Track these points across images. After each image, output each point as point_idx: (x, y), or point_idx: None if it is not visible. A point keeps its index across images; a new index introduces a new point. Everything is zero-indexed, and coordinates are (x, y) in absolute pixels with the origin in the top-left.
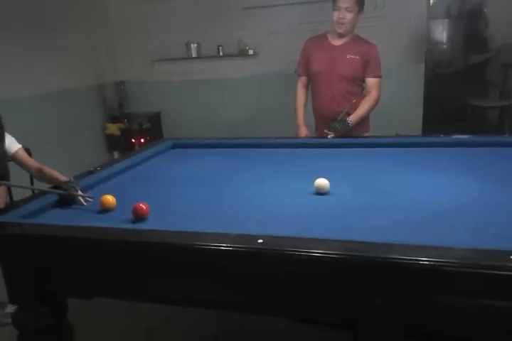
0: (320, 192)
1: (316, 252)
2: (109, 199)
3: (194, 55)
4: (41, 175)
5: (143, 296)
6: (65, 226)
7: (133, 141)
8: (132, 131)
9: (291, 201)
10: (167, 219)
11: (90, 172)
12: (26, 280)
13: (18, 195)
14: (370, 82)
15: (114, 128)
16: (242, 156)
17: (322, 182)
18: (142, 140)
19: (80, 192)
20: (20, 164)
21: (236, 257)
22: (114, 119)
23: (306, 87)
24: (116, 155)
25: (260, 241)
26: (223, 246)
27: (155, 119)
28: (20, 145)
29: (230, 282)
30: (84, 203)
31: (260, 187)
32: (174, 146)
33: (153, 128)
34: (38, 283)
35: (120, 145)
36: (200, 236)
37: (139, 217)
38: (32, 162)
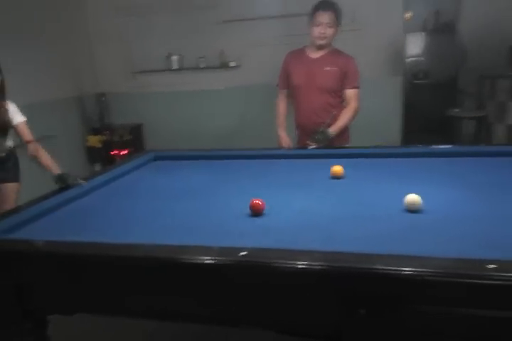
0: (412, 209)
1: (300, 264)
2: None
3: (175, 66)
4: (36, 161)
5: (126, 311)
6: (47, 242)
7: (114, 153)
8: (113, 143)
9: (275, 212)
10: (151, 233)
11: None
12: (5, 297)
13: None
14: (349, 93)
15: (95, 141)
16: (225, 168)
17: (414, 198)
18: (124, 152)
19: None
20: (20, 138)
21: (220, 270)
22: (95, 131)
23: (287, 99)
24: (97, 167)
25: (243, 253)
26: (207, 260)
27: (137, 131)
28: (23, 119)
29: (215, 295)
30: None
31: (243, 199)
32: (156, 158)
33: (134, 140)
34: (17, 300)
35: (101, 157)
36: (183, 249)
37: (257, 212)
38: (30, 141)
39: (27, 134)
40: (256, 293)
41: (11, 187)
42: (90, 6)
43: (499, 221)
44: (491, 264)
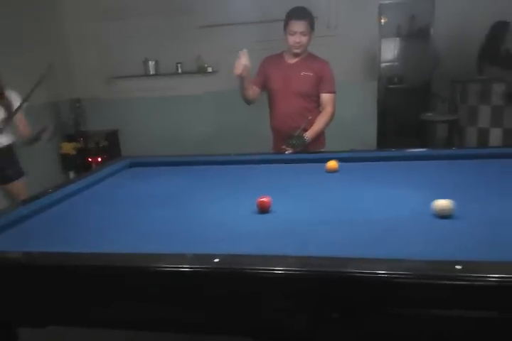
0: (443, 215)
1: (273, 269)
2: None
3: (152, 72)
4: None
5: (101, 322)
6: (14, 252)
7: (91, 160)
8: (89, 149)
9: (251, 218)
10: (126, 241)
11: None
12: None
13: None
14: (325, 97)
15: (69, 148)
16: (202, 174)
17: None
18: (99, 159)
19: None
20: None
21: (194, 278)
22: (70, 138)
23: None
24: (71, 175)
25: (217, 260)
26: (180, 268)
27: (112, 137)
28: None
29: (191, 303)
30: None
31: (221, 205)
32: (131, 165)
33: (110, 146)
34: None
35: (76, 165)
36: (156, 258)
37: (264, 209)
38: (24, 131)
39: (23, 126)
40: (231, 300)
41: (21, 184)
42: (67, 10)
43: (474, 220)
44: (458, 265)
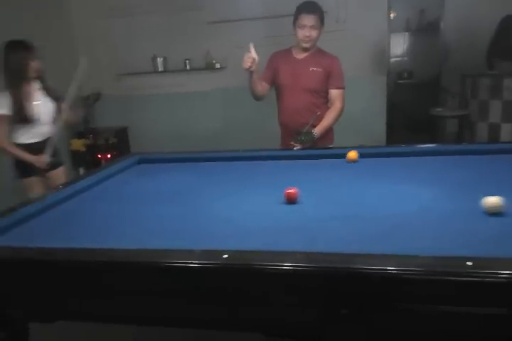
0: (493, 212)
1: (282, 265)
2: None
3: (160, 68)
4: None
5: (108, 317)
6: (22, 248)
7: (99, 156)
8: (98, 146)
9: (259, 214)
10: (135, 237)
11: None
12: None
13: None
14: (334, 93)
15: (79, 144)
16: (210, 170)
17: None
18: (109, 155)
19: None
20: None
21: (203, 273)
22: (79, 135)
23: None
24: (81, 171)
25: (226, 256)
26: (190, 263)
27: (122, 134)
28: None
29: (198, 298)
30: None
31: (228, 201)
32: (140, 161)
33: (120, 143)
34: None
35: (86, 161)
36: (165, 253)
37: (291, 200)
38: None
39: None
40: (240, 296)
41: (60, 172)
42: (74, 8)
43: (484, 216)
44: (469, 261)
